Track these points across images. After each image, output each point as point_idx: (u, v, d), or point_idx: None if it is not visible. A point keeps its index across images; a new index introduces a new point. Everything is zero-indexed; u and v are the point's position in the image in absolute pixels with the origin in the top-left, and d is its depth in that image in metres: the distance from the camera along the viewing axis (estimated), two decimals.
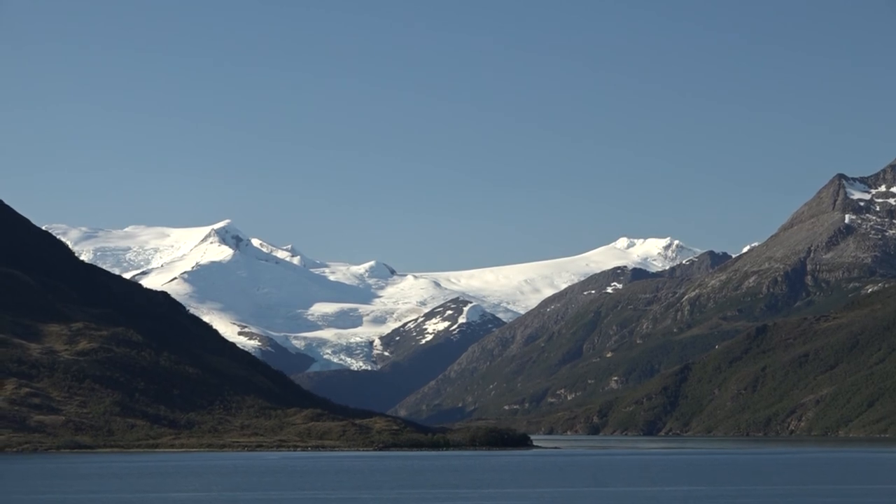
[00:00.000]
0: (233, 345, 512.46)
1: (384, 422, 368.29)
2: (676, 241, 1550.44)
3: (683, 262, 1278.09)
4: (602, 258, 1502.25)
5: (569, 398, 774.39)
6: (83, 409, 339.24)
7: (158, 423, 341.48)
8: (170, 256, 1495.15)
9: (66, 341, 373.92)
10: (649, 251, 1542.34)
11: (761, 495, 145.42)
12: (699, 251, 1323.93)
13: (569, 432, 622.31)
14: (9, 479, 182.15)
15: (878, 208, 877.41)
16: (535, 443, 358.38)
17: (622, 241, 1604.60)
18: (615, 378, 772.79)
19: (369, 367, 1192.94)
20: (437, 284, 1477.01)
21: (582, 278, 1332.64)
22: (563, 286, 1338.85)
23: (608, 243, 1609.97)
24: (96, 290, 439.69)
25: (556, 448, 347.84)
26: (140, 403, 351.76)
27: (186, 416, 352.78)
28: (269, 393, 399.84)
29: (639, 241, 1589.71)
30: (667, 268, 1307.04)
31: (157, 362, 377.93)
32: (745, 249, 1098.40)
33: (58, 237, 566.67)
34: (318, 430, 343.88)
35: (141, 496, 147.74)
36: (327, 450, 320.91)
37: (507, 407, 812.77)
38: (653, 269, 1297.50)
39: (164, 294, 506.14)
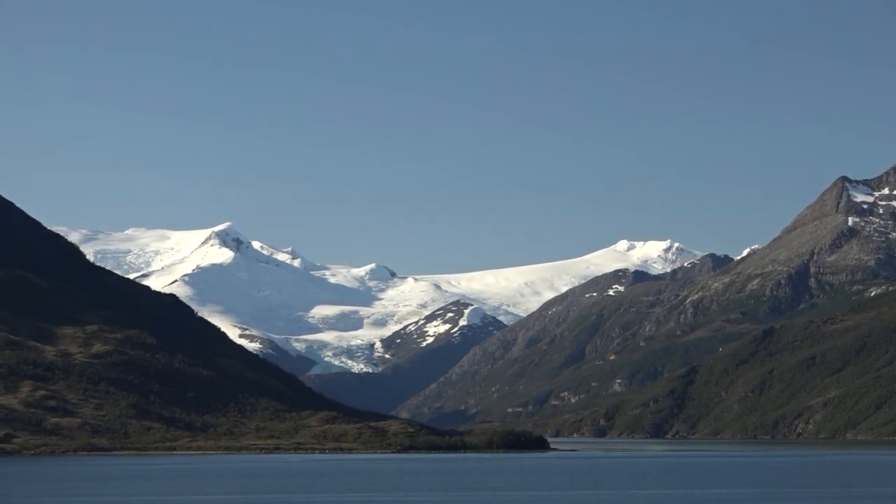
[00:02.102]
0: (242, 347, 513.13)
1: (399, 424, 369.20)
2: (677, 244, 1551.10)
3: (685, 264, 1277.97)
4: (602, 261, 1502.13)
5: (572, 401, 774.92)
6: (99, 412, 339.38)
7: (174, 426, 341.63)
8: (170, 259, 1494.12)
9: (81, 344, 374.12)
10: (649, 253, 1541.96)
11: (811, 498, 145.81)
12: (699, 254, 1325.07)
13: (575, 435, 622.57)
14: (41, 483, 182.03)
15: (881, 211, 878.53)
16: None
17: (622, 244, 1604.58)
18: (618, 381, 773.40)
19: (370, 370, 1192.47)
20: (438, 287, 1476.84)
21: (582, 281, 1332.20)
22: (564, 289, 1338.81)
23: (608, 246, 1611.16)
24: (105, 293, 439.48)
25: (573, 451, 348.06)
26: (155, 406, 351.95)
27: (202, 418, 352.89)
28: (282, 395, 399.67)
29: (639, 244, 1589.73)
30: (667, 270, 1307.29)
31: (172, 365, 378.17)
32: (746, 252, 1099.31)
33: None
34: (334, 433, 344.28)
35: (185, 498, 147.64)
36: (345, 452, 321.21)
37: (510, 409, 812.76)
38: (653, 272, 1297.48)
39: (172, 296, 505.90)
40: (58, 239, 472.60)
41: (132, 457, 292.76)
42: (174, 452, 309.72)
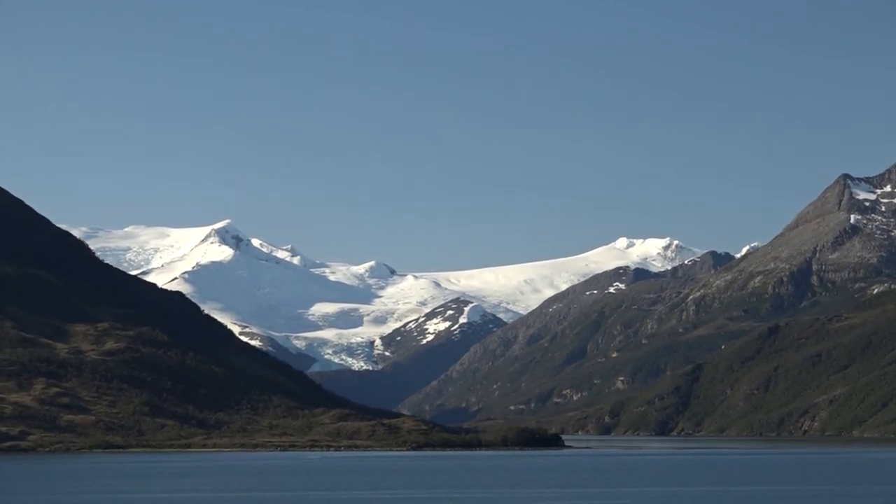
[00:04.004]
0: (250, 345, 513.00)
1: (412, 422, 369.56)
2: (676, 242, 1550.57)
3: (685, 262, 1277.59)
4: (601, 258, 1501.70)
5: (575, 398, 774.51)
6: (112, 409, 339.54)
7: (188, 423, 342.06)
8: (170, 256, 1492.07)
9: (93, 341, 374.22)
10: (649, 251, 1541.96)
11: (855, 495, 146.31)
12: (699, 251, 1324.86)
13: (580, 432, 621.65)
14: (81, 480, 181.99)
15: (883, 208, 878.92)
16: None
17: (621, 241, 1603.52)
18: (621, 378, 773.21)
19: (370, 367, 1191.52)
20: (437, 284, 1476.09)
21: (581, 278, 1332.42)
22: (563, 286, 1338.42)
23: (607, 243, 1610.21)
24: (114, 290, 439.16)
25: (587, 448, 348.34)
26: (168, 403, 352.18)
27: (215, 415, 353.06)
28: (293, 393, 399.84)
29: (638, 241, 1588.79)
30: (667, 268, 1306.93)
31: (184, 362, 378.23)
32: (745, 249, 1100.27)
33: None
34: (348, 430, 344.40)
35: (234, 495, 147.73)
36: (361, 449, 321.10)
37: (512, 407, 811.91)
38: (653, 269, 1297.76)
39: (179, 294, 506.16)
40: (66, 236, 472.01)
41: (153, 454, 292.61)
42: (189, 450, 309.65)
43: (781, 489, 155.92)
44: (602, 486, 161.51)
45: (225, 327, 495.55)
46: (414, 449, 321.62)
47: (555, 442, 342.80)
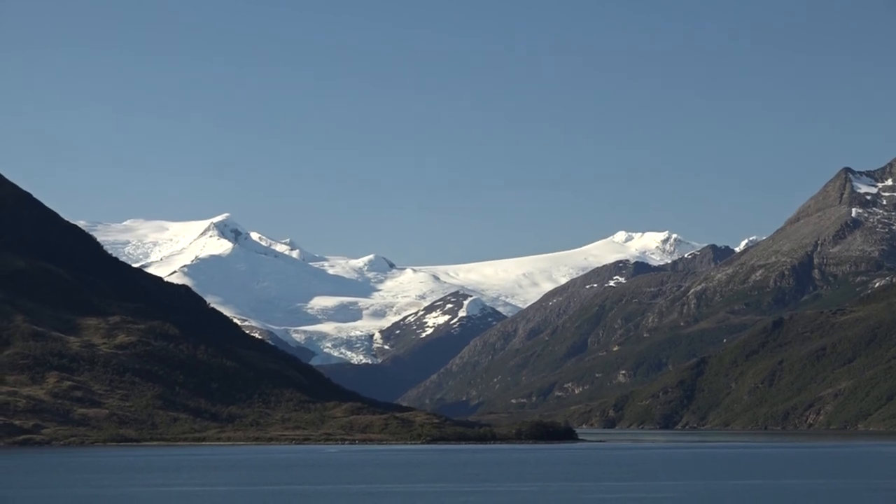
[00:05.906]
0: (255, 338, 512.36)
1: (424, 415, 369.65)
2: (675, 235, 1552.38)
3: (685, 255, 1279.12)
4: (600, 252, 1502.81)
5: (576, 392, 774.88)
6: (125, 403, 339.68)
7: (200, 417, 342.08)
8: (169, 250, 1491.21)
9: (104, 335, 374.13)
10: (647, 245, 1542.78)
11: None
12: (698, 245, 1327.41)
13: (584, 426, 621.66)
14: (110, 473, 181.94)
15: (884, 202, 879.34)
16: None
17: (620, 235, 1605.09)
18: (623, 372, 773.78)
19: (370, 361, 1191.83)
20: (436, 278, 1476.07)
21: (580, 272, 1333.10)
22: (562, 280, 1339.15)
23: (606, 237, 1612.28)
24: (123, 283, 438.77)
25: (601, 441, 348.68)
26: (181, 397, 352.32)
27: (227, 409, 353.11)
28: (304, 386, 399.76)
29: (637, 235, 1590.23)
30: (666, 261, 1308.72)
31: (195, 356, 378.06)
32: (744, 243, 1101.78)
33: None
34: (360, 424, 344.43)
35: (267, 489, 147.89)
36: (376, 443, 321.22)
37: (514, 400, 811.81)
38: (652, 263, 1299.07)
39: (185, 287, 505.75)
40: (76, 230, 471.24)
41: (169, 447, 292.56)
42: (204, 443, 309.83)
43: (823, 482, 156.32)
44: (641, 480, 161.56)
45: (231, 321, 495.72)
46: (429, 442, 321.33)
47: (568, 435, 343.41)
